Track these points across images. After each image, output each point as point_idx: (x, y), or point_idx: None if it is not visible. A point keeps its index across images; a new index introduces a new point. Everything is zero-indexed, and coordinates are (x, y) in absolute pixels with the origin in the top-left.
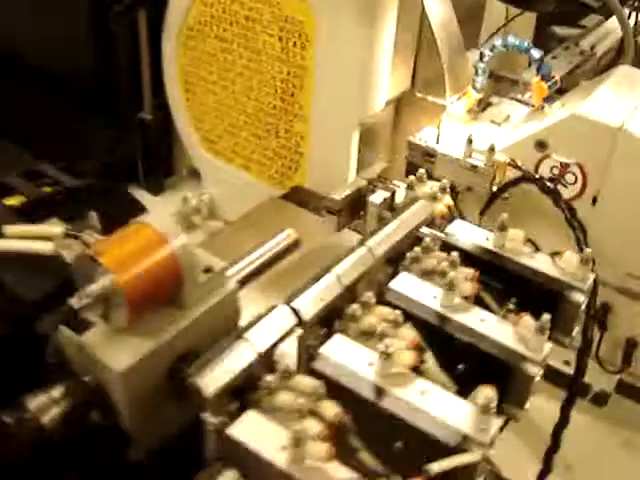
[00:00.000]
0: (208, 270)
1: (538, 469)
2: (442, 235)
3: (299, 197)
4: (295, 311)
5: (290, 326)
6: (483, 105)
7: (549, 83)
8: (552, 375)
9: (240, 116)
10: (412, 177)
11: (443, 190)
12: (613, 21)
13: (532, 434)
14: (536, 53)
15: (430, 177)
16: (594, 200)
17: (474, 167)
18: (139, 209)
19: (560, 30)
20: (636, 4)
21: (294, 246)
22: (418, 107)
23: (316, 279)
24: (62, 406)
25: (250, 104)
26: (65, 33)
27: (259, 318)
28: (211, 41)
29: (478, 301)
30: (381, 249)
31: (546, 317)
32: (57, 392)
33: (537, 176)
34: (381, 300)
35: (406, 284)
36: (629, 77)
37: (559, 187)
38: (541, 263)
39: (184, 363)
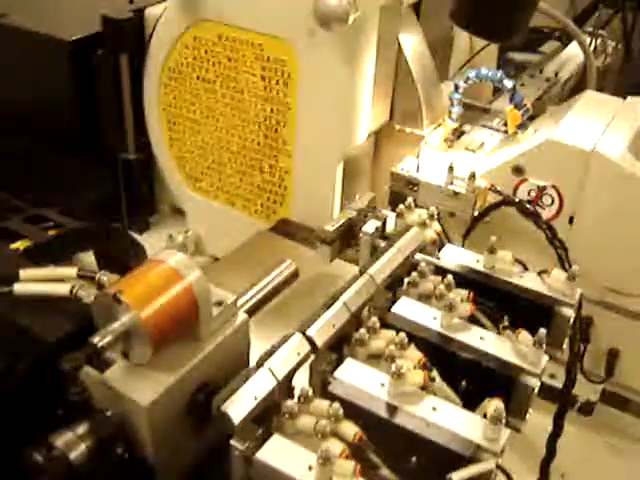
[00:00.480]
0: (220, 303)
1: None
2: (435, 260)
3: (286, 229)
4: (309, 338)
5: (305, 353)
6: (458, 133)
7: (522, 111)
8: (540, 389)
9: (224, 153)
10: (402, 206)
11: (431, 217)
12: (572, 47)
13: (523, 446)
14: (508, 83)
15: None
16: (571, 219)
17: (456, 193)
18: (139, 249)
19: (518, 56)
20: (594, 31)
21: (294, 276)
22: (397, 138)
23: (326, 307)
24: (88, 442)
25: (234, 141)
26: (48, 82)
27: (276, 347)
28: (193, 82)
29: (473, 320)
30: (382, 276)
31: (542, 331)
32: (82, 429)
33: (517, 199)
34: (385, 324)
35: (407, 308)
36: (595, 101)
37: (537, 209)
38: (530, 281)
39: (202, 394)
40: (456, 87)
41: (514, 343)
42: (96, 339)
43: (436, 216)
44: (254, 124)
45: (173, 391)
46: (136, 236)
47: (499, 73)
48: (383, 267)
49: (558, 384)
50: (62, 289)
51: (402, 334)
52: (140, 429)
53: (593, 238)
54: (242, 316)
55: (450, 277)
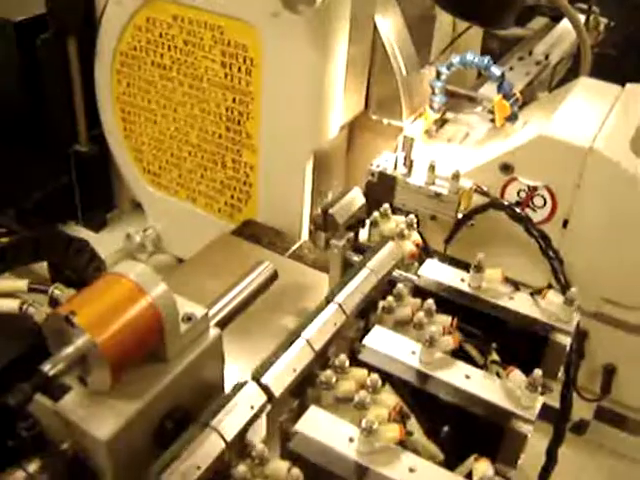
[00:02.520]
0: (189, 318)
1: None
2: (414, 278)
3: (251, 232)
4: (264, 387)
5: (260, 405)
6: (440, 123)
7: (511, 101)
8: None
9: (183, 146)
10: (376, 213)
11: (410, 226)
12: (563, 25)
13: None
14: (497, 70)
15: (391, 206)
16: (565, 223)
17: (438, 195)
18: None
19: (501, 30)
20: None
21: (272, 279)
22: (373, 130)
23: (285, 347)
24: None
25: (193, 134)
26: None
27: (226, 399)
28: (148, 68)
29: (457, 351)
30: (352, 304)
31: (538, 373)
32: (34, 466)
33: (506, 202)
34: (355, 358)
35: (381, 339)
36: (590, 90)
37: (527, 211)
38: (522, 304)
39: (171, 421)
40: (438, 74)
41: (504, 382)
42: (47, 367)
43: (415, 225)
44: (215, 115)
45: (137, 420)
46: (91, 234)
47: (486, 59)
48: (353, 294)
49: (552, 401)
50: (10, 305)
51: (374, 376)
52: (100, 465)
53: (589, 244)
54: (214, 331)
55: (430, 302)
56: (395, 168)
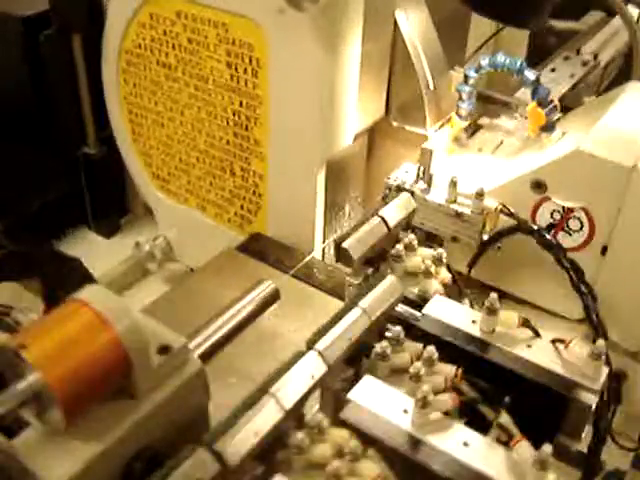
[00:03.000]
0: (165, 349)
1: None
2: (417, 315)
3: (258, 247)
4: (218, 455)
5: (320, 375)
6: (473, 129)
7: (547, 109)
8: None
9: (191, 152)
10: (399, 246)
11: (438, 261)
12: (619, 20)
13: None
14: (530, 75)
15: (408, 225)
16: (604, 250)
17: (459, 214)
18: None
19: (558, 23)
20: None
21: (273, 300)
22: (395, 138)
23: (247, 405)
24: None
25: (201, 139)
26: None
27: (286, 367)
28: (153, 67)
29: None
30: (337, 352)
31: (547, 449)
32: None
33: (535, 227)
34: (338, 418)
35: (369, 393)
36: None
37: (561, 235)
38: (542, 355)
39: (140, 462)
40: (466, 78)
41: (508, 454)
42: None
43: (445, 258)
44: (222, 119)
45: (99, 463)
46: (102, 240)
47: (519, 61)
48: (339, 338)
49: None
50: None
51: (354, 443)
52: None
53: (630, 275)
54: (195, 364)
55: (431, 350)
56: (416, 182)
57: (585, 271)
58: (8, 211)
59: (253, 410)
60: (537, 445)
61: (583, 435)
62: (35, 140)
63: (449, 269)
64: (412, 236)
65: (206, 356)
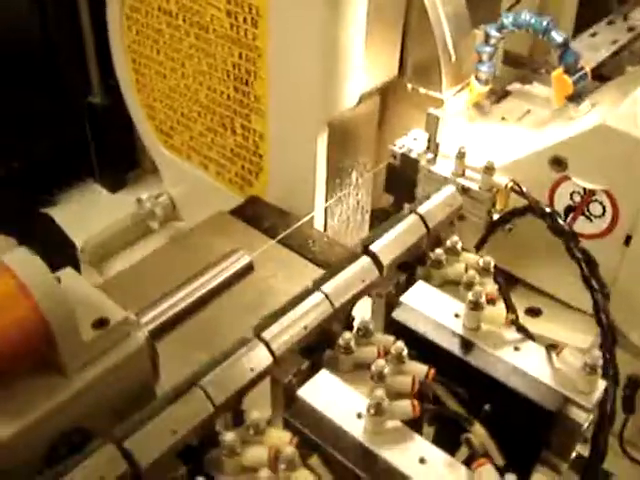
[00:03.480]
0: (101, 323)
1: None
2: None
3: (253, 211)
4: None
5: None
6: (499, 95)
7: (575, 77)
8: None
9: (193, 106)
10: (439, 250)
11: (484, 271)
12: None
13: None
14: (558, 36)
15: (413, 197)
16: (627, 239)
17: (466, 190)
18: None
19: None
20: None
21: (245, 272)
22: (409, 101)
23: (172, 399)
24: None
25: (202, 92)
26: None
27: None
28: (155, 14)
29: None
30: (287, 342)
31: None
32: None
33: (548, 209)
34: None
35: (321, 391)
36: None
37: (581, 220)
38: (530, 360)
39: (65, 446)
40: (487, 37)
41: (471, 475)
42: None
43: (492, 267)
44: (222, 72)
45: (17, 442)
46: (107, 195)
47: (545, 21)
48: (290, 328)
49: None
50: None
51: (291, 450)
52: None
53: None
54: (138, 339)
55: (400, 346)
56: (428, 149)
57: (605, 263)
58: (11, 157)
59: (177, 404)
60: (514, 464)
61: (573, 455)
62: (40, 87)
63: (496, 280)
64: (456, 238)
65: (162, 330)
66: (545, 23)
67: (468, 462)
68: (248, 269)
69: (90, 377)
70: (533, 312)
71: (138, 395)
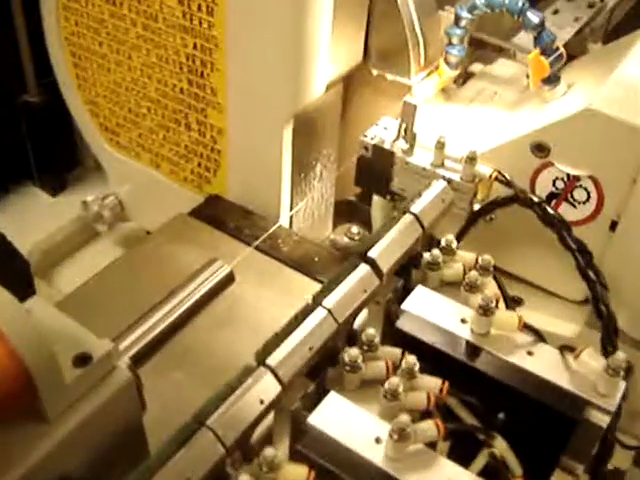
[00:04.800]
0: (83, 359)
1: None
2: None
3: (215, 212)
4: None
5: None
6: (463, 77)
7: (551, 58)
8: None
9: (142, 101)
10: (435, 251)
11: (484, 270)
12: None
13: None
14: (534, 17)
15: (389, 191)
16: (613, 225)
17: (448, 181)
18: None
19: None
20: None
21: (226, 283)
22: (374, 88)
23: (181, 442)
24: None
25: (152, 86)
26: None
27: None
28: (96, 3)
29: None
30: (293, 368)
31: None
32: None
33: (536, 198)
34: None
35: (333, 416)
36: None
37: (564, 206)
38: (546, 365)
39: None
40: (457, 19)
41: None
42: None
43: (492, 267)
44: (174, 64)
45: None
46: (48, 198)
47: (521, 1)
48: (296, 352)
49: None
50: None
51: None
52: None
53: None
54: (124, 371)
55: (412, 360)
56: (397, 139)
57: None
58: None
59: (185, 449)
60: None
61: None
62: None
63: (498, 283)
64: (450, 237)
65: (144, 355)
66: (521, 3)
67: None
68: (229, 280)
69: (75, 421)
70: (514, 301)
71: (126, 433)
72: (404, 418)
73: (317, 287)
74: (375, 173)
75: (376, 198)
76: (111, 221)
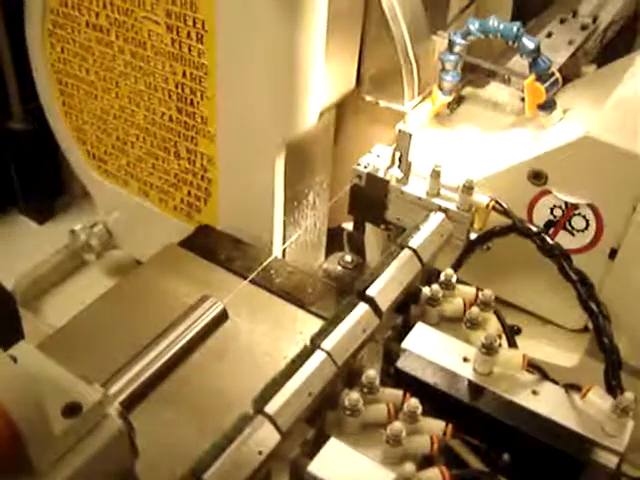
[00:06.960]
0: (73, 409)
1: None
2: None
3: (205, 242)
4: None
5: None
6: (455, 101)
7: (547, 83)
8: None
9: (130, 129)
10: (435, 286)
11: (485, 305)
12: None
13: None
14: (529, 43)
15: (384, 221)
16: (612, 253)
17: (444, 211)
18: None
19: None
20: None
21: (220, 321)
22: (367, 115)
23: None
24: None
25: (140, 114)
26: None
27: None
28: (82, 29)
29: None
30: (292, 415)
31: None
32: None
33: (534, 228)
34: None
35: (334, 463)
36: None
37: (562, 234)
38: (552, 405)
39: None
40: (451, 45)
41: None
42: None
43: (493, 301)
44: (163, 92)
45: None
46: (35, 227)
47: (515, 27)
48: (294, 399)
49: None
50: None
51: None
52: None
53: None
54: (115, 420)
55: (414, 403)
56: (391, 167)
57: None
58: None
59: None
60: None
61: None
62: None
63: (498, 317)
64: (450, 271)
65: (135, 401)
66: (515, 29)
67: None
68: (222, 318)
69: (65, 474)
70: (512, 331)
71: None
72: (409, 467)
73: (311, 319)
74: (369, 202)
75: (370, 226)
76: (99, 250)
